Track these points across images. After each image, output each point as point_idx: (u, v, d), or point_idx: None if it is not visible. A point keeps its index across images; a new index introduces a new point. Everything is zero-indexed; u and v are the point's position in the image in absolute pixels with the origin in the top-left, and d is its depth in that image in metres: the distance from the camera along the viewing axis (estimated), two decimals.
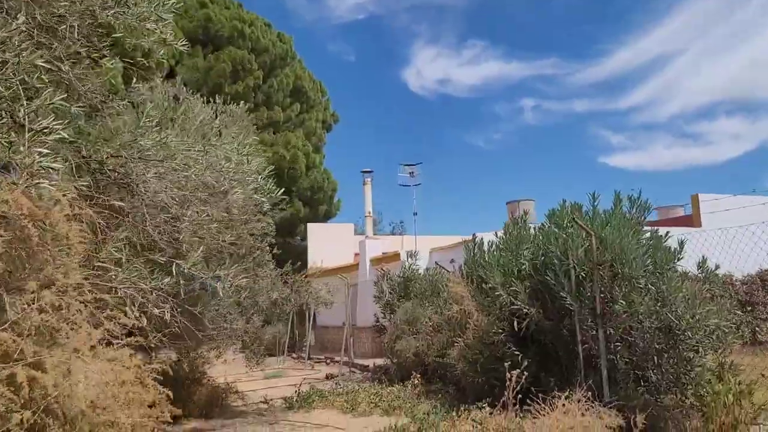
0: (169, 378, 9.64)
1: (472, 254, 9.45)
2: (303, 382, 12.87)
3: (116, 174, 3.53)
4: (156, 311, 3.55)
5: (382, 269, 13.60)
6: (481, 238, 9.63)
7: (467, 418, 7.23)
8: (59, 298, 2.53)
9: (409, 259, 12.70)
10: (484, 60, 73.72)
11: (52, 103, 2.81)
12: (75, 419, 2.48)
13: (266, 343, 21.51)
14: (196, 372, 9.96)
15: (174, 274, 3.79)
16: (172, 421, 8.47)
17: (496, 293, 8.00)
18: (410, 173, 17.53)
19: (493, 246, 8.93)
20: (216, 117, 9.36)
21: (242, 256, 9.48)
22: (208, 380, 10.10)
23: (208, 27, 33.47)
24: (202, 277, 4.08)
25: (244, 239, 9.56)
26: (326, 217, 35.47)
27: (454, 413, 7.55)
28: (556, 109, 72.93)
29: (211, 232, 4.88)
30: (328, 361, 17.86)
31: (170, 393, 9.50)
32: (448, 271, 11.43)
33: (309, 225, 24.23)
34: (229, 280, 4.40)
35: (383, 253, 17.28)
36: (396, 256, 16.87)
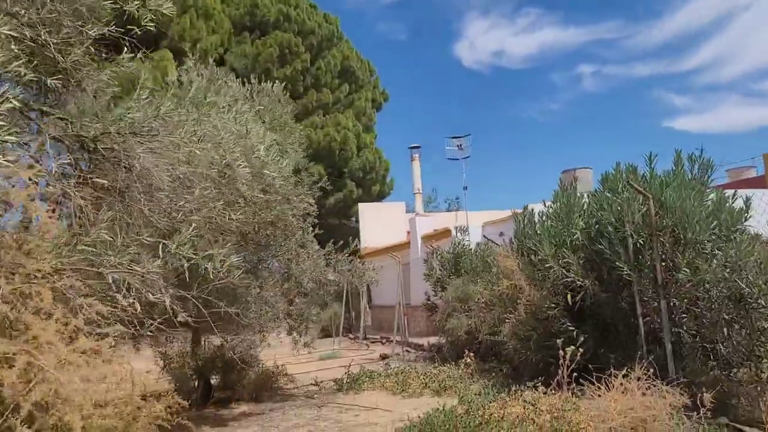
0: (217, 363, 9.65)
1: (521, 226, 8.95)
2: (354, 362, 12.73)
3: (109, 151, 3.32)
4: (151, 297, 3.33)
5: (431, 246, 13.23)
6: (532, 209, 9.10)
7: (519, 399, 6.84)
8: (28, 286, 2.32)
9: (459, 235, 12.27)
10: (540, 28, 71.44)
11: (8, 71, 2.58)
12: (32, 418, 2.29)
13: (322, 324, 21.63)
14: (245, 356, 9.92)
15: (161, 255, 3.56)
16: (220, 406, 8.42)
17: (547, 266, 7.51)
18: (458, 146, 16.97)
19: (543, 216, 8.41)
20: (252, 97, 9.19)
21: (285, 237, 9.32)
22: (259, 364, 10.05)
23: (255, 13, 33.51)
24: (192, 258, 3.83)
25: (285, 219, 9.40)
26: (380, 197, 35.25)
27: (505, 393, 7.16)
28: (617, 73, 70.03)
29: (217, 210, 4.64)
30: (384, 340, 17.71)
31: (217, 379, 9.48)
32: (497, 244, 10.95)
33: (360, 205, 24.05)
34: (221, 260, 4.13)
35: (434, 231, 16.87)
36: (447, 232, 16.44)
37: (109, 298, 2.90)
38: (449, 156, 17.08)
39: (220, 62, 29.03)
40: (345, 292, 20.57)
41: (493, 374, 9.32)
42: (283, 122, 9.79)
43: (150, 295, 3.26)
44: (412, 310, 18.14)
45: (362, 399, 8.81)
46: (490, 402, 6.73)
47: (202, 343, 9.33)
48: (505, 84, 75.88)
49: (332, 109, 37.55)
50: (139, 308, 3.02)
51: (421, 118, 75.34)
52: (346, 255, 10.03)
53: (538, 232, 8.19)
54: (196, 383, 9.47)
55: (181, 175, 3.80)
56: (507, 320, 8.73)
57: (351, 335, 20.16)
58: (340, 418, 7.65)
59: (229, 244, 7.15)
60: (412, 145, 17.93)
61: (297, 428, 7.32)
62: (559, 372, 6.61)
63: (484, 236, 12.31)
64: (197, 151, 3.88)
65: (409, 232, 20.45)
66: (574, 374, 6.32)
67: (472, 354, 10.09)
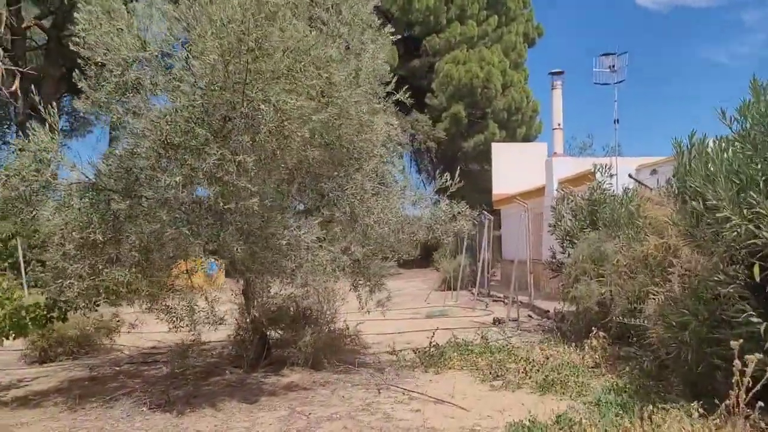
0: (278, 317, 7.99)
1: (685, 159, 6.00)
2: (458, 327, 10.56)
3: None
4: None
5: (562, 190, 10.46)
6: (704, 136, 6.08)
7: (662, 425, 4.29)
8: None
9: (600, 175, 9.36)
10: None
11: None
12: None
13: (444, 275, 19.60)
14: (311, 311, 8.17)
15: None
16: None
17: (721, 217, 4.68)
18: (610, 67, 13.50)
19: (721, 143, 5.42)
20: None
21: (354, 168, 7.26)
22: (331, 321, 8.25)
23: None
24: None
25: (360, 147, 7.32)
26: (525, 141, 31.85)
27: (638, 408, 4.63)
28: None
29: None
30: (506, 300, 15.24)
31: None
32: (647, 187, 7.99)
33: (493, 145, 21.20)
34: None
35: (574, 175, 13.84)
36: (590, 176, 13.34)
37: None
38: (597, 80, 13.68)
39: None
40: (471, 241, 18.24)
41: (627, 368, 6.64)
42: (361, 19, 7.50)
43: None
44: (542, 267, 15.37)
45: (438, 384, 6.65)
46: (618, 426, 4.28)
47: (257, 293, 7.66)
48: (687, 24, 65.99)
49: (477, 43, 34.32)
50: None
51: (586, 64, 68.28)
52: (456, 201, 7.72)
53: (711, 169, 5.28)
54: (252, 340, 7.93)
55: None
56: (653, 295, 5.99)
57: (475, 290, 17.90)
58: (392, 413, 5.57)
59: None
60: (554, 71, 14.71)
61: (331, 421, 5.38)
62: (734, 389, 4.11)
63: (629, 175, 9.32)
64: None
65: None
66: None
67: (602, 333, 7.45)
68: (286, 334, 7.97)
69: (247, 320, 7.64)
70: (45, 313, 6.35)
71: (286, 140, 5.24)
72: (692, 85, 69.82)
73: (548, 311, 12.15)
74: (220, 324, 6.45)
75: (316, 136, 6.38)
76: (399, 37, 7.87)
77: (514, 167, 19.89)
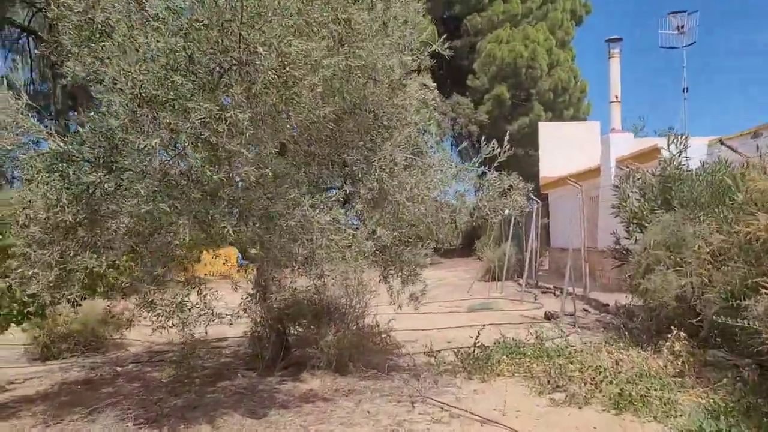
0: (298, 312, 6.95)
1: None
2: (506, 323, 9.34)
3: None
4: None
5: (627, 166, 9.07)
6: None
7: None
8: None
9: (674, 148, 7.95)
10: None
11: None
12: None
13: (488, 264, 18.28)
14: (336, 305, 7.10)
15: None
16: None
17: None
18: (678, 28, 11.86)
19: None
20: None
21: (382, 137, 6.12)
22: (360, 317, 7.17)
23: None
24: None
25: (390, 113, 6.19)
26: None
27: None
28: None
29: None
30: (557, 292, 13.89)
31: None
32: (741, 154, 6.59)
33: (540, 124, 19.65)
34: None
35: (638, 151, 12.33)
36: (653, 153, 11.86)
37: None
38: (663, 44, 12.05)
39: None
40: (517, 229, 16.87)
41: (724, 379, 5.32)
42: None
43: None
44: (599, 255, 13.93)
45: (485, 396, 5.47)
46: None
47: (273, 283, 6.60)
48: None
49: (521, 21, 32.58)
50: None
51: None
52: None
53: None
54: (268, 338, 6.92)
55: None
56: (761, 288, 4.68)
57: (521, 281, 16.56)
58: None
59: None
60: (611, 38, 13.18)
61: None
62: None
63: (721, 142, 7.87)
64: None
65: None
66: None
67: (684, 334, 6.14)
68: (307, 331, 6.91)
69: (260, 316, 6.62)
70: (21, 308, 5.43)
71: (289, 92, 4.11)
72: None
73: (607, 305, 10.80)
74: (215, 322, 5.38)
75: (335, 95, 5.26)
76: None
77: (563, 148, 18.37)
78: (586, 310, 10.91)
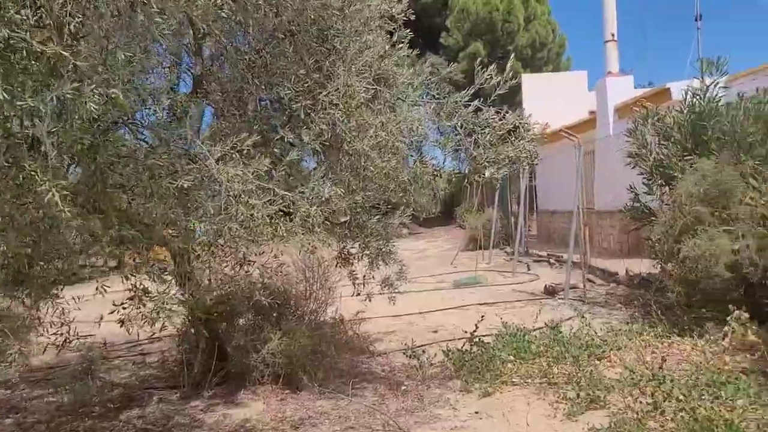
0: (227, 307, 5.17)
1: None
2: (501, 302, 7.76)
3: None
4: None
5: (643, 106, 7.44)
6: None
7: None
8: None
9: (708, 78, 6.30)
10: None
11: None
12: None
13: (471, 232, 16.72)
14: (285, 295, 5.40)
15: None
16: None
17: None
18: None
19: None
20: None
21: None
22: (309, 311, 5.52)
23: None
24: None
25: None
26: None
27: None
28: None
29: None
30: (552, 260, 12.36)
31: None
32: None
33: (524, 76, 17.89)
34: None
35: (638, 97, 10.74)
36: (662, 94, 10.27)
37: None
38: None
39: None
40: (501, 189, 15.22)
41: None
42: None
43: None
44: (598, 217, 12.41)
45: (492, 420, 3.85)
46: None
47: (196, 273, 4.84)
48: None
49: None
50: None
51: None
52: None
53: None
54: (197, 344, 5.20)
55: None
56: None
57: (508, 249, 15.01)
58: None
59: None
60: None
61: None
62: None
63: None
64: None
65: (593, 113, 14.31)
66: None
67: (743, 311, 4.57)
68: (246, 335, 5.20)
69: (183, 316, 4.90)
70: None
71: None
72: None
73: (616, 273, 9.28)
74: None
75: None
76: None
77: (549, 101, 16.69)
78: (590, 281, 9.36)
